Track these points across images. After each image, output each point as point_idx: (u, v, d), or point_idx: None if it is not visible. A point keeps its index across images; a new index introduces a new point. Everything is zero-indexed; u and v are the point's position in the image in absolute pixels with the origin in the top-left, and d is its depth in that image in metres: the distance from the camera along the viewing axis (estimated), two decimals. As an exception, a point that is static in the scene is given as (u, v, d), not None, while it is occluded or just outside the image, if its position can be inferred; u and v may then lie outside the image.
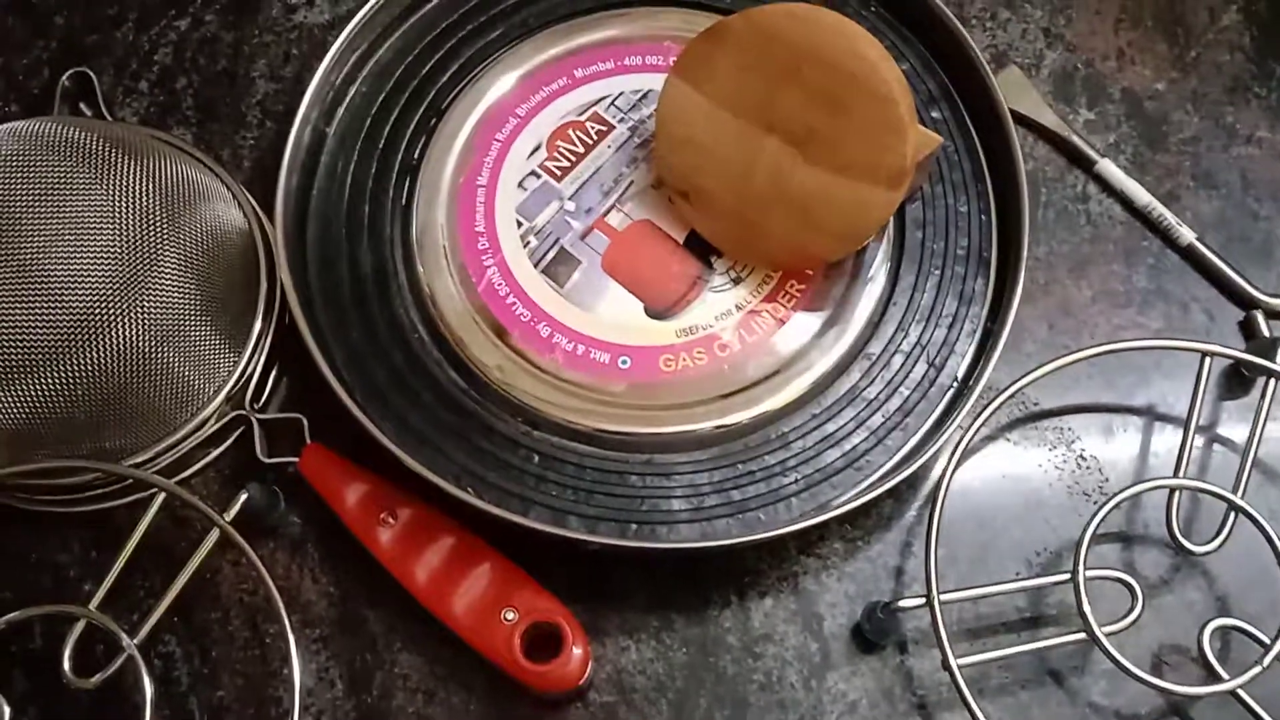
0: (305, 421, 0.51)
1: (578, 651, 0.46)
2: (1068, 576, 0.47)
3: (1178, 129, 0.58)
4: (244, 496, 0.49)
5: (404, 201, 0.54)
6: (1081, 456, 0.53)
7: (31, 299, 0.46)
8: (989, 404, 0.49)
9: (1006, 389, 0.49)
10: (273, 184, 0.53)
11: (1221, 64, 0.59)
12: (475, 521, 0.48)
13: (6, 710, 0.46)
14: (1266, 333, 0.54)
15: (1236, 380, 0.54)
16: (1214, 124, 0.59)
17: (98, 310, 0.47)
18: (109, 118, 0.57)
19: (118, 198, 0.48)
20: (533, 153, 0.55)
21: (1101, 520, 0.47)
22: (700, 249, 0.53)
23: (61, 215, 0.48)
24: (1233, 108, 0.59)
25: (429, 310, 0.52)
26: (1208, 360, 0.51)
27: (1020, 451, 0.53)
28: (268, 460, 0.51)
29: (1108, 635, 0.46)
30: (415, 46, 0.57)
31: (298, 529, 0.52)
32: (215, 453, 0.53)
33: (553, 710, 0.49)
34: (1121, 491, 0.48)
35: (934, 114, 0.56)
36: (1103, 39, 0.60)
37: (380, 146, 0.55)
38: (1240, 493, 0.49)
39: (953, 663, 0.46)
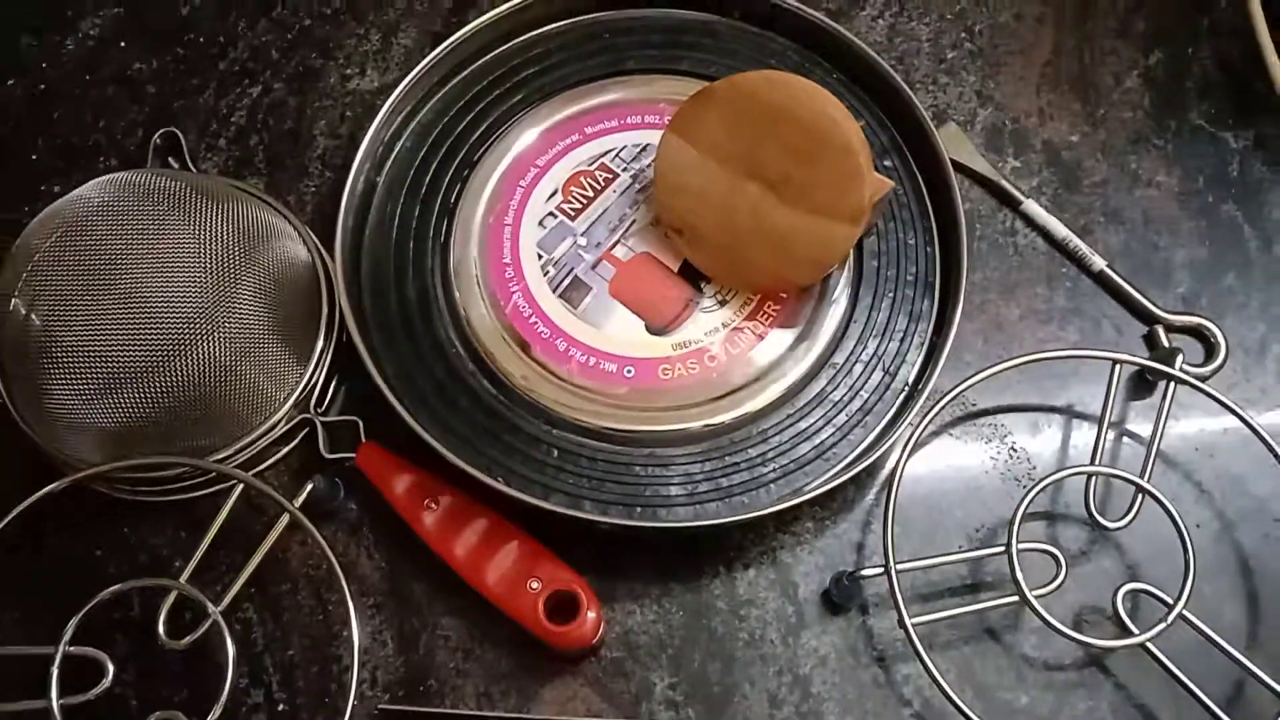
0: (361, 423, 0.51)
1: (592, 615, 0.46)
2: (1003, 549, 0.47)
3: (1089, 174, 0.58)
4: (310, 486, 0.49)
5: (443, 239, 0.54)
6: (1013, 448, 0.53)
7: (130, 322, 0.47)
8: (935, 405, 0.49)
9: (949, 392, 0.49)
10: (332, 225, 0.53)
11: (1125, 120, 0.59)
12: (505, 506, 0.48)
13: (110, 668, 0.46)
14: (1166, 344, 0.54)
15: (1142, 384, 0.54)
16: (1120, 170, 0.58)
17: (186, 331, 0.47)
18: (194, 170, 0.57)
19: (202, 237, 0.48)
20: (550, 197, 0.55)
21: (1030, 502, 0.47)
22: (692, 276, 0.53)
23: (155, 252, 0.48)
24: (1135, 156, 0.58)
25: (464, 329, 0.52)
26: (1117, 367, 0.51)
27: (961, 445, 0.53)
28: (329, 456, 0.51)
29: (1037, 598, 0.46)
30: (451, 108, 0.57)
31: (355, 514, 0.52)
32: (285, 450, 0.53)
33: (571, 665, 0.49)
34: (1046, 477, 0.48)
35: (887, 162, 0.55)
36: (1026, 99, 0.60)
37: (422, 193, 0.55)
38: (1146, 478, 0.49)
39: (907, 622, 0.46)
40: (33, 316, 0.47)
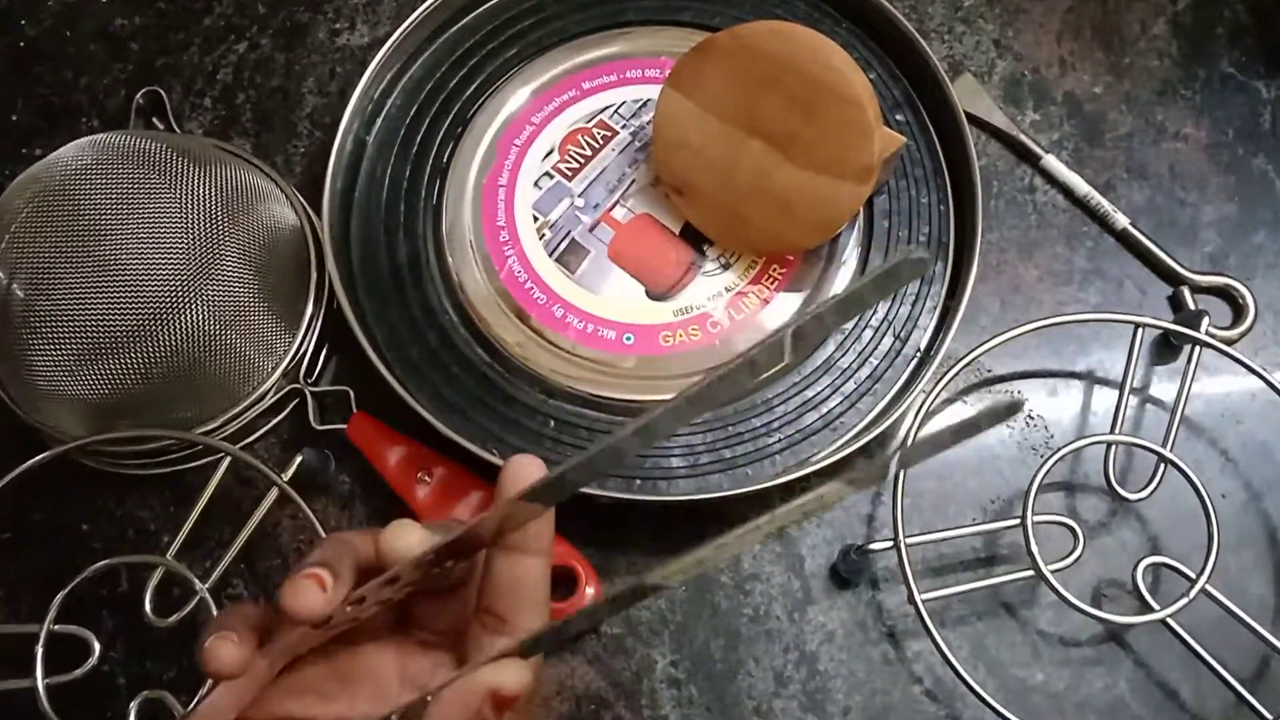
0: (352, 393, 0.50)
1: (590, 591, 0.46)
2: (1018, 521, 0.45)
3: (1113, 127, 0.57)
4: (300, 459, 0.49)
5: (435, 200, 0.53)
6: (1029, 416, 0.51)
7: (111, 289, 0.45)
8: (948, 371, 0.48)
9: (963, 358, 0.48)
10: (320, 186, 0.52)
11: (1152, 69, 0.58)
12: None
13: (96, 646, 0.45)
14: (1192, 306, 0.53)
15: (1165, 348, 0.52)
16: (1145, 122, 0.57)
17: (169, 298, 0.46)
18: (178, 130, 0.56)
19: (185, 200, 0.47)
20: (546, 156, 0.54)
21: (1047, 472, 0.46)
22: (694, 238, 0.52)
23: (136, 216, 0.46)
24: (1162, 107, 0.57)
25: (458, 295, 0.51)
26: (1140, 330, 0.49)
27: (975, 412, 0.51)
28: (320, 427, 0.50)
29: (1053, 572, 0.45)
30: (443, 64, 0.56)
31: (346, 487, 0.51)
32: (274, 421, 0.52)
33: (570, 642, 0.48)
34: (1064, 446, 0.47)
35: (898, 117, 0.54)
36: (1047, 49, 0.58)
37: (414, 152, 0.54)
38: (1169, 446, 0.48)
39: (917, 597, 0.45)
40: (13, 286, 0.47)
